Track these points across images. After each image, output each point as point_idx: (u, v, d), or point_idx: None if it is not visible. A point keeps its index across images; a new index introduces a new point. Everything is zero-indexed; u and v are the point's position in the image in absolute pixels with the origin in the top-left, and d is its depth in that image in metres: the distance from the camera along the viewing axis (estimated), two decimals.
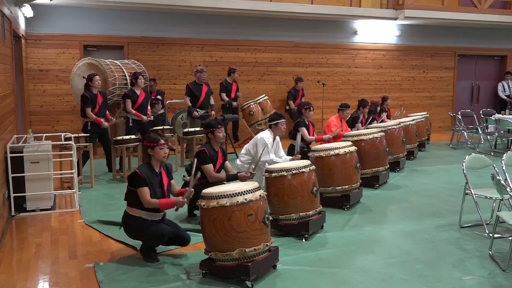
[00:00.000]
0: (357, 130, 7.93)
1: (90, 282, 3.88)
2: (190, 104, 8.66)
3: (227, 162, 5.37)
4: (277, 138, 6.15)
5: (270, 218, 4.03)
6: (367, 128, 7.76)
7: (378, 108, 9.05)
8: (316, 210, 4.87)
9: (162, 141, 4.16)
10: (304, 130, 6.85)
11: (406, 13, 11.44)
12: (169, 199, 4.20)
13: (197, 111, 8.65)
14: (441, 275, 3.96)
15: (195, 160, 4.80)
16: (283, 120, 6.05)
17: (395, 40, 12.77)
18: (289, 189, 4.70)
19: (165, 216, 4.35)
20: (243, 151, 6.17)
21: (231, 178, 5.16)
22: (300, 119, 6.94)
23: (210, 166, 5.09)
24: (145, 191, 4.05)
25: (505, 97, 13.42)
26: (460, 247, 4.59)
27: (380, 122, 8.70)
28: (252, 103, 10.15)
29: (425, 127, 10.16)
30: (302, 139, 6.75)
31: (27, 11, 8.47)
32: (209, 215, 3.75)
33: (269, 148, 5.91)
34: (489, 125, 10.62)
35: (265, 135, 6.00)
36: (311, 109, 7.00)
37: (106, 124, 7.48)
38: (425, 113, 10.71)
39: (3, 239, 4.84)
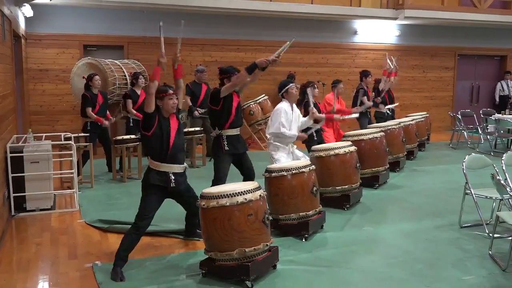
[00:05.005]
0: (363, 103, 8.32)
1: (90, 282, 3.89)
2: (190, 104, 8.67)
3: None
4: (296, 109, 5.88)
5: (270, 218, 4.03)
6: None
7: (381, 87, 9.25)
8: (316, 210, 4.86)
9: (171, 91, 4.14)
10: (314, 109, 6.61)
11: (406, 13, 11.44)
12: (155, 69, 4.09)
13: (197, 110, 8.65)
14: (441, 275, 3.96)
15: None
16: (291, 84, 5.77)
17: (395, 40, 12.77)
18: (289, 189, 4.70)
19: (185, 171, 4.26)
20: (267, 129, 5.91)
21: (251, 66, 4.90)
22: (307, 99, 6.83)
23: (223, 88, 4.90)
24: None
25: (503, 95, 13.49)
26: (460, 247, 4.59)
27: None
28: (252, 103, 10.15)
29: (425, 127, 10.15)
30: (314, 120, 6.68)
31: (27, 11, 8.47)
32: (209, 215, 3.75)
33: (290, 118, 5.67)
34: (489, 125, 10.61)
35: (284, 106, 5.70)
36: (315, 86, 6.94)
37: (106, 122, 7.48)
38: (425, 113, 10.70)
39: (3, 239, 4.84)
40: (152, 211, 4.10)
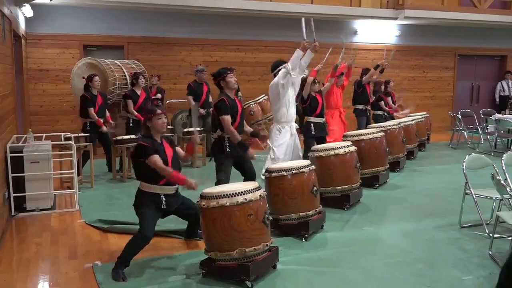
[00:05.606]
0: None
1: (90, 282, 3.89)
2: (194, 103, 8.62)
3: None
4: None
5: (270, 218, 4.03)
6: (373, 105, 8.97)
7: (382, 88, 9.25)
8: (316, 210, 4.86)
9: (159, 111, 4.10)
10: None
11: (406, 13, 11.45)
12: (182, 175, 4.06)
13: (202, 109, 8.64)
14: (441, 275, 3.96)
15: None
16: (285, 63, 5.97)
17: (395, 40, 12.77)
18: (289, 189, 4.70)
19: (178, 191, 4.27)
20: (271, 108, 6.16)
21: (253, 134, 5.13)
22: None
23: (228, 118, 4.90)
24: (156, 158, 3.96)
25: (504, 95, 13.51)
26: (460, 247, 4.59)
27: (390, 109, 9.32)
28: (252, 103, 10.15)
29: (425, 127, 10.16)
30: (316, 114, 6.78)
31: (27, 11, 8.47)
32: (209, 215, 3.75)
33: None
34: (489, 125, 10.62)
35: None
36: (316, 81, 7.01)
37: (105, 129, 7.45)
38: (425, 113, 10.71)
39: (3, 239, 4.84)
40: (154, 219, 4.09)
